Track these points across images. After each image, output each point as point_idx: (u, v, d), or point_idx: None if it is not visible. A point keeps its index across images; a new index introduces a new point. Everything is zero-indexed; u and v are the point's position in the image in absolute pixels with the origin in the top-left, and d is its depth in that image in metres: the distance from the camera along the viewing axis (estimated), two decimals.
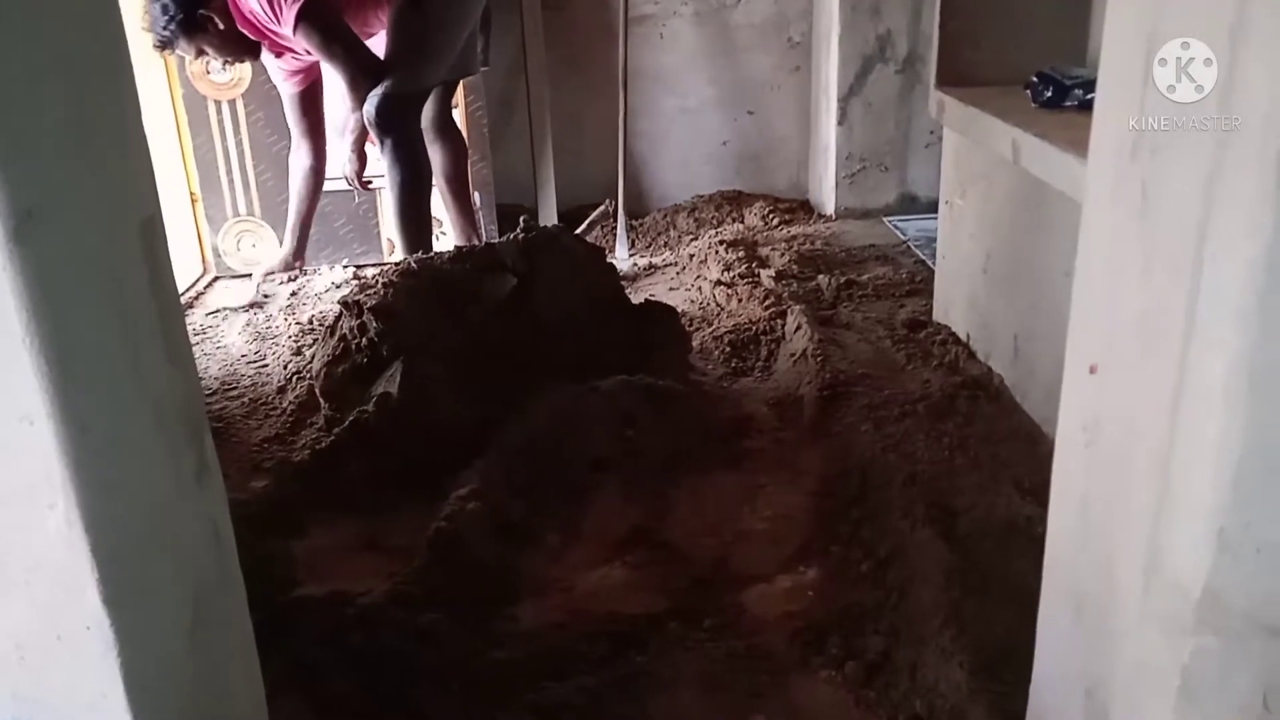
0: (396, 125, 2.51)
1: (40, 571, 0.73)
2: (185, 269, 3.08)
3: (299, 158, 2.85)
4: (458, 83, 2.89)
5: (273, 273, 2.94)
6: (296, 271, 2.99)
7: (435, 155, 2.82)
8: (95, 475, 0.73)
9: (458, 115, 3.03)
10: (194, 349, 2.58)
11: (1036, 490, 1.65)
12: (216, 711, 0.94)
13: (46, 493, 0.71)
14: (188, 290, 3.00)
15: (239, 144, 3.01)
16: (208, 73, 2.91)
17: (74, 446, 0.71)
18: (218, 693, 0.96)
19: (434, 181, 2.82)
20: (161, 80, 2.95)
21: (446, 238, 3.01)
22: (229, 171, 3.03)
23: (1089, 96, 1.80)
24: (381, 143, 2.52)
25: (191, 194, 3.07)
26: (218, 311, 2.82)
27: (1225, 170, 0.70)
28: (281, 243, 3.02)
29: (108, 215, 0.78)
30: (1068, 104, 1.86)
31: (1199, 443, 0.75)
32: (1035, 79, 1.91)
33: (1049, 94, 1.88)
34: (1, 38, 0.65)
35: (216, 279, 3.12)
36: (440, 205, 2.90)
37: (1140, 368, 0.81)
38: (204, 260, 3.16)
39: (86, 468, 0.72)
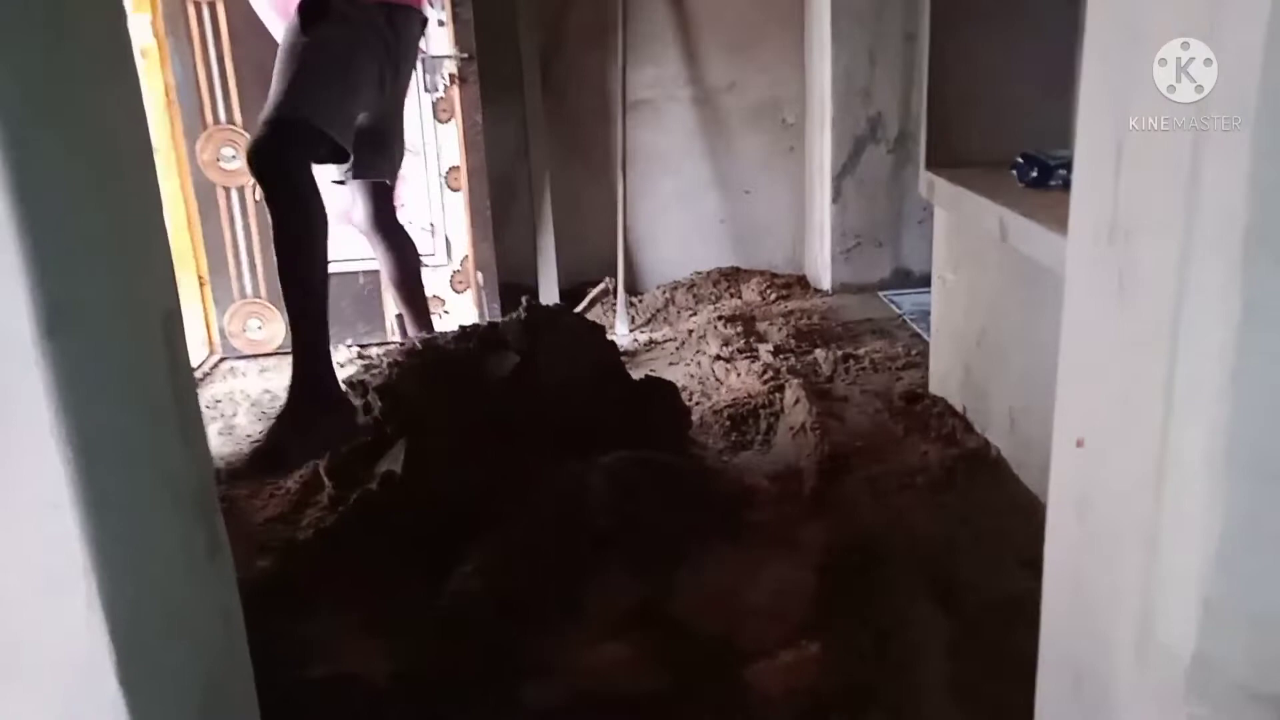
0: (275, 163, 2.16)
1: (60, 657, 0.75)
2: (193, 350, 3.13)
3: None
4: (384, 185, 2.63)
5: None
6: None
7: (379, 256, 2.69)
8: (116, 559, 0.76)
9: (460, 199, 3.11)
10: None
11: (1036, 562, 1.66)
12: None
13: (69, 578, 0.74)
14: (195, 370, 3.04)
15: (246, 228, 3.08)
16: (218, 161, 3.00)
17: (96, 532, 0.74)
18: None
19: (385, 282, 2.78)
20: (172, 167, 3.03)
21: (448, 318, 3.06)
22: (236, 255, 3.10)
23: (1068, 175, 1.87)
24: (259, 183, 2.21)
25: (200, 278, 3.13)
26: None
27: (1194, 254, 0.74)
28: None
29: (133, 310, 0.81)
30: (1052, 184, 1.92)
31: (1182, 515, 0.77)
32: (1020, 160, 1.98)
33: (1034, 174, 1.94)
34: (34, 133, 0.70)
35: (223, 359, 3.17)
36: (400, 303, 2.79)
37: (1123, 442, 0.84)
38: (210, 341, 3.20)
39: (108, 552, 0.75)
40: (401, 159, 2.65)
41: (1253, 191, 0.69)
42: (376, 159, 2.50)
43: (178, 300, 0.90)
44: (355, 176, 2.52)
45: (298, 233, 2.19)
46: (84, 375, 0.73)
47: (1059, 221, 1.60)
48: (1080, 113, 0.91)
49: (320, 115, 2.21)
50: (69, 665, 0.75)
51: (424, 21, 2.54)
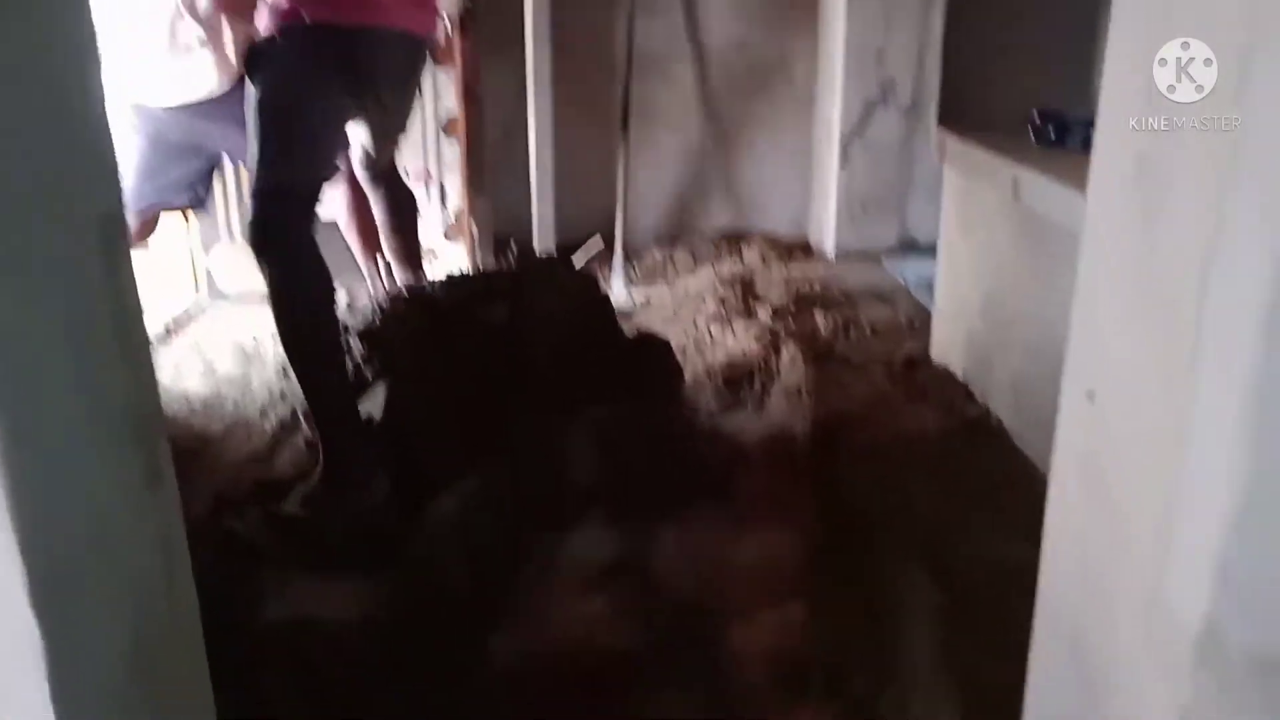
0: (280, 232, 1.88)
1: None
2: (178, 291, 3.07)
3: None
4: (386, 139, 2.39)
5: None
6: None
7: (375, 204, 2.52)
8: (30, 477, 0.69)
9: (457, 148, 3.01)
10: (179, 369, 2.54)
11: (1032, 533, 1.61)
12: None
13: None
14: (182, 312, 2.97)
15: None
16: None
17: (7, 446, 0.67)
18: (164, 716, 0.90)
19: (380, 231, 2.64)
20: None
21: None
22: (224, 193, 3.02)
23: (1091, 133, 1.79)
24: (261, 258, 1.88)
25: (184, 214, 3.04)
26: None
27: (1237, 181, 0.67)
28: None
29: (60, 210, 0.74)
30: (1070, 144, 1.84)
31: (1203, 473, 0.70)
32: (1037, 117, 1.90)
33: (1051, 133, 1.86)
34: None
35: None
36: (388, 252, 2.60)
37: (1141, 394, 0.77)
38: (195, 283, 3.13)
39: (20, 469, 0.68)
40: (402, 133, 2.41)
41: None
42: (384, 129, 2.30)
43: (119, 204, 0.83)
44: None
45: (296, 305, 1.92)
46: None
47: (1077, 179, 1.53)
48: (1111, 31, 0.83)
49: (305, 169, 1.97)
50: None
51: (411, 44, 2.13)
